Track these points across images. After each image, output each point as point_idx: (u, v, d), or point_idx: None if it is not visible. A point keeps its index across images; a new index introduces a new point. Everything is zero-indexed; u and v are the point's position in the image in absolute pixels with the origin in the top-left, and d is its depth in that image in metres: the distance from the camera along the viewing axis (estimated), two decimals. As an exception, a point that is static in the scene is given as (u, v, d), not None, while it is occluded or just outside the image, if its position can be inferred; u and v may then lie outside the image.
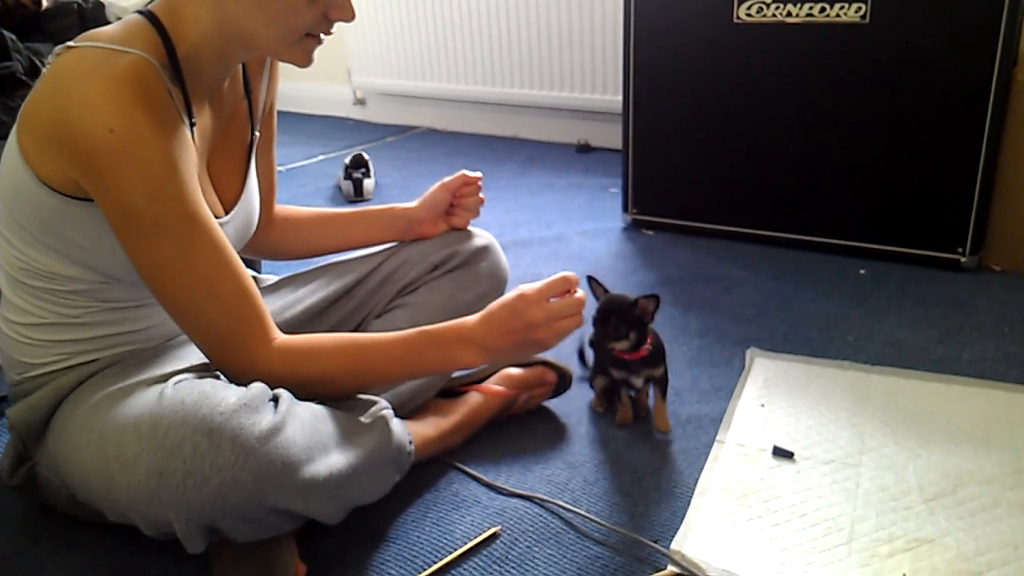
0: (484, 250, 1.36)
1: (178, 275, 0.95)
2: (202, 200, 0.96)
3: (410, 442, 1.12)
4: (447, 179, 1.35)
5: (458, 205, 1.36)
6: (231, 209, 1.13)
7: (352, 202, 2.62)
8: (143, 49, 0.91)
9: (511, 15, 3.09)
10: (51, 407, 1.04)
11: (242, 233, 1.17)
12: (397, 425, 1.10)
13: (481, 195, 1.37)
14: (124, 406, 0.94)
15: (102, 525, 1.06)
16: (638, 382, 1.33)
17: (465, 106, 3.43)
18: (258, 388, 0.94)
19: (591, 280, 1.30)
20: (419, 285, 1.33)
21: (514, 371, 1.38)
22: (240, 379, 0.99)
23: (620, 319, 1.25)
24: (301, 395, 1.01)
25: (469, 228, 1.39)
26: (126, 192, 0.89)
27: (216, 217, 1.06)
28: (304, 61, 1.02)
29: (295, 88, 3.94)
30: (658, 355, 1.32)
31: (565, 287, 1.03)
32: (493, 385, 1.35)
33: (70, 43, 0.92)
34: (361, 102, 3.83)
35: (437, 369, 1.12)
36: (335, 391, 1.06)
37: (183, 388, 0.92)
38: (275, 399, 0.95)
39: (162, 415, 0.89)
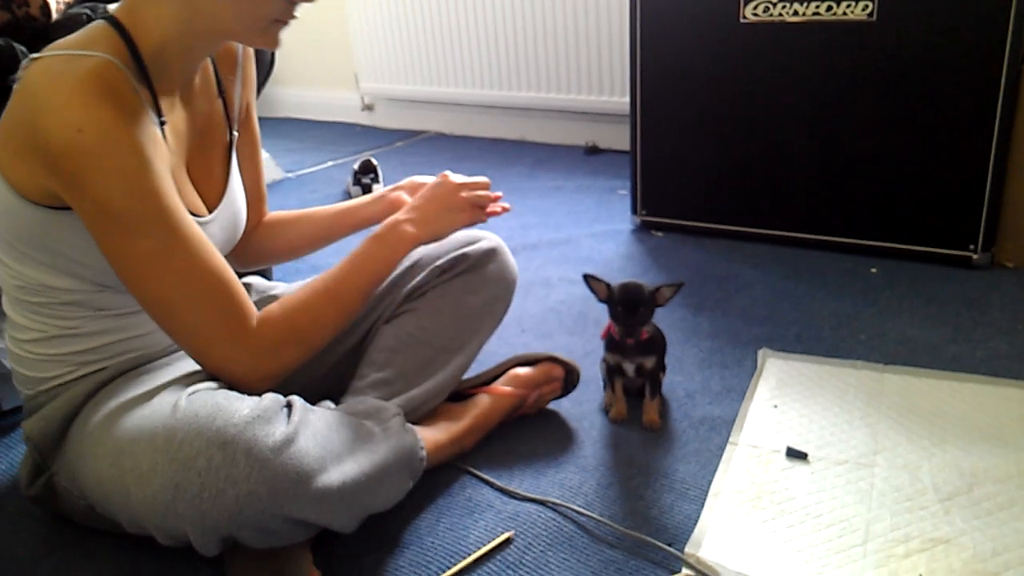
0: (492, 252, 1.36)
1: (160, 272, 0.95)
2: (177, 196, 0.96)
3: (422, 448, 1.12)
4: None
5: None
6: (214, 209, 1.13)
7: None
8: (105, 51, 0.92)
9: (517, 19, 3.10)
10: (65, 416, 1.05)
11: (228, 234, 1.18)
12: (409, 431, 1.10)
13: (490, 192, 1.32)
14: (139, 418, 0.95)
15: (119, 535, 1.06)
16: (630, 368, 1.35)
17: (473, 110, 3.44)
18: (271, 398, 0.94)
19: (588, 277, 1.33)
20: (427, 290, 1.33)
21: (521, 371, 1.39)
22: (231, 372, 1.01)
23: (647, 308, 1.30)
24: (301, 351, 1.04)
25: (477, 230, 1.39)
26: (101, 191, 0.90)
27: (198, 216, 1.07)
28: (273, 45, 1.03)
29: (303, 95, 3.96)
30: (652, 345, 1.34)
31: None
32: (502, 386, 1.35)
33: (34, 55, 0.93)
34: (369, 108, 3.84)
35: (394, 256, 1.16)
36: (328, 330, 1.09)
37: (197, 400, 0.93)
38: (288, 407, 0.95)
39: (176, 428, 0.89)
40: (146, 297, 0.97)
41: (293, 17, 1.02)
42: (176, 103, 1.06)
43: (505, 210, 1.28)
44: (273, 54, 1.67)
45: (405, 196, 1.31)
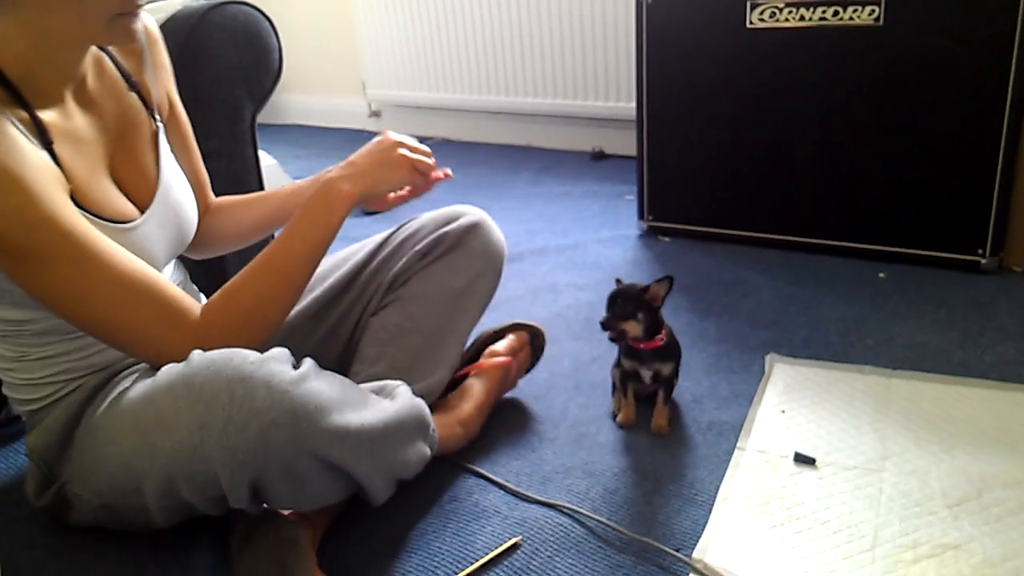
0: (473, 227, 1.33)
1: (81, 293, 0.94)
2: (76, 216, 0.94)
3: (427, 411, 1.12)
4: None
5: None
6: (147, 207, 1.09)
7: (368, 213, 2.63)
8: None
9: (523, 25, 3.10)
10: (65, 424, 1.06)
11: (172, 230, 1.14)
12: (417, 397, 1.11)
13: (432, 160, 1.27)
14: (150, 384, 0.97)
15: (126, 538, 1.07)
16: (647, 375, 1.35)
17: (479, 116, 3.44)
18: (279, 349, 0.96)
19: (618, 282, 1.34)
20: (410, 276, 1.30)
21: (497, 346, 1.42)
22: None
23: (626, 300, 1.29)
24: (254, 333, 1.03)
25: (458, 206, 1.36)
26: None
27: (127, 222, 1.04)
28: (128, 39, 1.00)
29: (311, 101, 3.97)
30: (670, 351, 1.35)
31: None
32: (486, 360, 1.39)
33: None
34: (376, 114, 3.85)
35: (331, 216, 1.10)
36: (279, 304, 1.06)
37: (209, 351, 0.95)
38: (296, 366, 0.96)
39: (194, 374, 0.91)
40: (79, 319, 0.97)
41: (138, 7, 0.98)
42: (72, 112, 1.03)
43: (447, 176, 1.24)
44: (280, 61, 1.67)
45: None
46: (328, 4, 3.78)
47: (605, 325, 1.30)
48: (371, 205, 1.21)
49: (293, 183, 1.32)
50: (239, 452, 0.88)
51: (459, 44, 3.31)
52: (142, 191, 1.10)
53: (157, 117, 1.17)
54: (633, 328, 1.30)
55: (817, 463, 1.23)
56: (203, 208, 1.30)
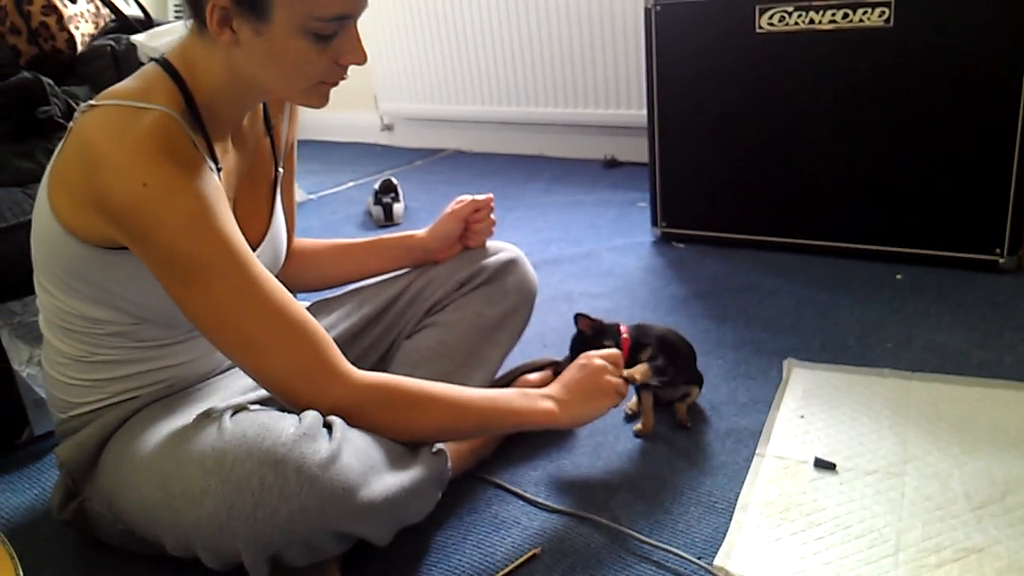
0: (511, 264, 1.37)
1: (238, 313, 0.95)
2: (243, 237, 0.97)
3: (449, 459, 1.12)
4: (456, 207, 1.35)
5: (471, 230, 1.37)
6: (258, 246, 1.14)
7: (382, 227, 2.65)
8: (163, 102, 0.93)
9: (532, 35, 3.12)
10: (98, 444, 1.06)
11: (270, 269, 1.18)
12: (438, 446, 1.11)
13: (492, 216, 1.37)
14: (182, 442, 0.95)
15: (152, 557, 1.07)
16: (637, 376, 1.34)
17: (491, 127, 3.46)
18: (312, 416, 0.94)
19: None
20: (447, 303, 1.33)
21: (531, 377, 1.42)
22: (320, 403, 0.98)
23: (594, 346, 1.30)
24: (386, 424, 1.02)
25: (495, 242, 1.40)
26: (171, 241, 0.91)
27: None
28: (319, 103, 1.03)
29: (323, 116, 3.99)
30: (639, 345, 1.34)
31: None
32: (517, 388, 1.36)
33: (92, 101, 0.95)
34: (388, 128, 3.87)
35: (524, 418, 1.14)
36: (432, 430, 1.06)
37: (242, 421, 0.93)
38: (328, 426, 0.95)
39: (226, 450, 0.90)
40: (226, 339, 0.96)
41: (343, 78, 1.02)
42: (228, 146, 1.08)
43: (489, 199, 1.35)
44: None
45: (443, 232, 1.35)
46: (339, 20, 3.81)
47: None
48: (433, 257, 1.35)
49: (377, 238, 1.39)
50: (265, 534, 0.87)
51: (469, 56, 3.33)
52: (255, 230, 1.15)
53: (281, 164, 1.22)
54: (612, 346, 1.31)
55: (837, 468, 1.23)
56: (288, 250, 1.33)
